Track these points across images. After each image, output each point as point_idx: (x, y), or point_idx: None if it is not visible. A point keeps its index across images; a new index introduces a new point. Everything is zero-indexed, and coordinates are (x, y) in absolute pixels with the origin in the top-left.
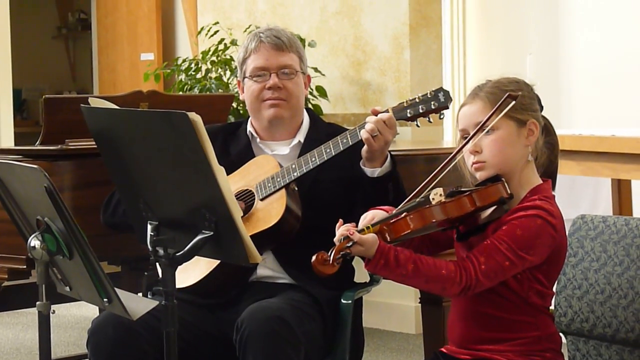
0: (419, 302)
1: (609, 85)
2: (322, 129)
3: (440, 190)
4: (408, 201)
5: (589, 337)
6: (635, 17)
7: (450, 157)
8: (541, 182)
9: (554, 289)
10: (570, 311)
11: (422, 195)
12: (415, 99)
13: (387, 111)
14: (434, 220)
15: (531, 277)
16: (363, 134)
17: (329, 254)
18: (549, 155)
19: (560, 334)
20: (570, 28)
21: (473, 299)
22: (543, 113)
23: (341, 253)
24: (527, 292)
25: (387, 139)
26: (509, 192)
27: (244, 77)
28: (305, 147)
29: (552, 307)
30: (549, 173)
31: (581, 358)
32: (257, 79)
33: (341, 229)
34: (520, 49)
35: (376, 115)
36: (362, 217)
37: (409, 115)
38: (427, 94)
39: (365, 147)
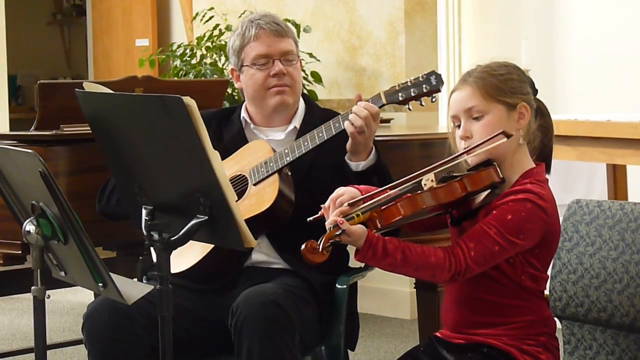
0: (414, 288)
1: (604, 70)
2: (317, 115)
3: (431, 175)
4: (398, 187)
5: (583, 322)
6: (630, 2)
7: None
8: (534, 165)
9: (549, 273)
10: (565, 296)
11: (414, 181)
12: (407, 82)
13: (378, 96)
14: (424, 207)
15: (524, 261)
16: (348, 128)
17: (319, 242)
18: (543, 138)
19: (555, 319)
20: (566, 13)
21: (467, 283)
22: (538, 96)
23: (330, 242)
24: (521, 276)
25: (372, 130)
26: (501, 176)
27: (242, 66)
28: (302, 133)
29: (547, 292)
30: (544, 156)
31: (576, 342)
32: (260, 66)
33: (332, 216)
34: (515, 34)
35: (361, 100)
36: (332, 196)
37: (400, 98)
38: (419, 77)
39: (350, 141)
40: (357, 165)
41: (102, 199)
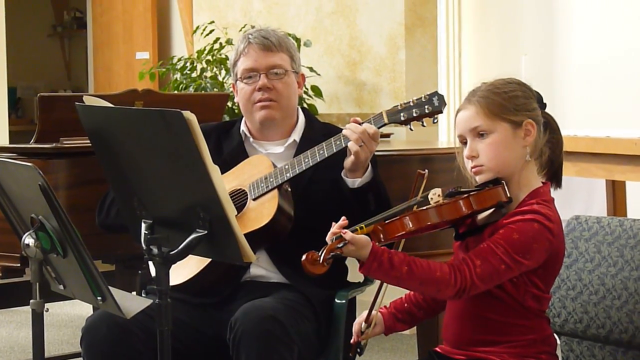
0: None
1: (603, 86)
2: (318, 129)
3: (438, 190)
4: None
5: (582, 338)
6: (630, 18)
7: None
8: (541, 184)
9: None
10: (564, 312)
11: (421, 195)
12: (409, 102)
13: (380, 115)
14: (429, 223)
15: (528, 281)
16: (351, 146)
17: (320, 253)
18: (550, 154)
19: (555, 335)
20: (565, 29)
21: (469, 301)
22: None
23: (332, 253)
24: (524, 295)
25: (372, 149)
26: (508, 195)
27: (236, 79)
28: (302, 147)
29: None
30: (553, 171)
31: (575, 359)
32: (247, 80)
33: (333, 228)
34: (515, 49)
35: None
36: None
37: (402, 118)
38: (421, 97)
39: (350, 158)
40: (353, 182)
41: (102, 212)
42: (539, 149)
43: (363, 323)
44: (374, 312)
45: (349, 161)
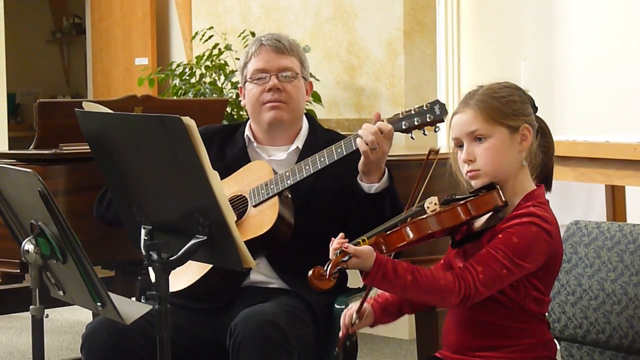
0: None
1: (602, 91)
2: (320, 136)
3: (434, 199)
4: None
5: (582, 343)
6: (629, 24)
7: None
8: (535, 187)
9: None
10: (564, 317)
11: (416, 205)
12: (410, 110)
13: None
14: (429, 231)
15: (528, 284)
16: (361, 145)
17: (325, 268)
18: (543, 158)
19: (555, 340)
20: (565, 34)
21: (471, 306)
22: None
23: (337, 267)
24: (525, 299)
25: (384, 150)
26: (504, 199)
27: (245, 81)
28: (304, 154)
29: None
30: (544, 175)
31: None
32: (257, 81)
33: (334, 243)
34: (514, 54)
35: (380, 120)
36: None
37: (404, 127)
38: (423, 106)
39: (362, 160)
40: (370, 187)
41: (102, 204)
42: (533, 153)
43: (354, 315)
44: (365, 304)
45: (360, 163)
